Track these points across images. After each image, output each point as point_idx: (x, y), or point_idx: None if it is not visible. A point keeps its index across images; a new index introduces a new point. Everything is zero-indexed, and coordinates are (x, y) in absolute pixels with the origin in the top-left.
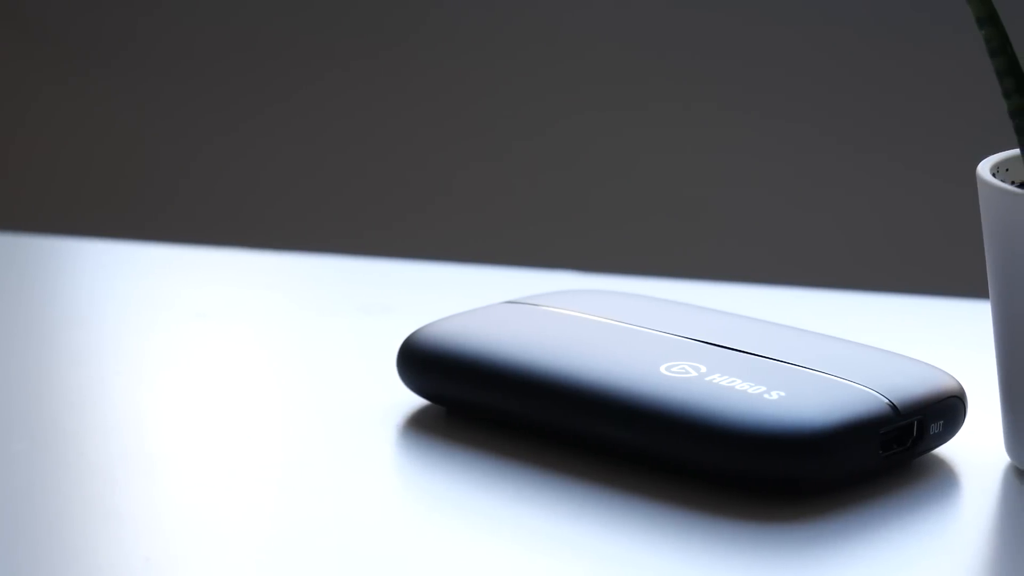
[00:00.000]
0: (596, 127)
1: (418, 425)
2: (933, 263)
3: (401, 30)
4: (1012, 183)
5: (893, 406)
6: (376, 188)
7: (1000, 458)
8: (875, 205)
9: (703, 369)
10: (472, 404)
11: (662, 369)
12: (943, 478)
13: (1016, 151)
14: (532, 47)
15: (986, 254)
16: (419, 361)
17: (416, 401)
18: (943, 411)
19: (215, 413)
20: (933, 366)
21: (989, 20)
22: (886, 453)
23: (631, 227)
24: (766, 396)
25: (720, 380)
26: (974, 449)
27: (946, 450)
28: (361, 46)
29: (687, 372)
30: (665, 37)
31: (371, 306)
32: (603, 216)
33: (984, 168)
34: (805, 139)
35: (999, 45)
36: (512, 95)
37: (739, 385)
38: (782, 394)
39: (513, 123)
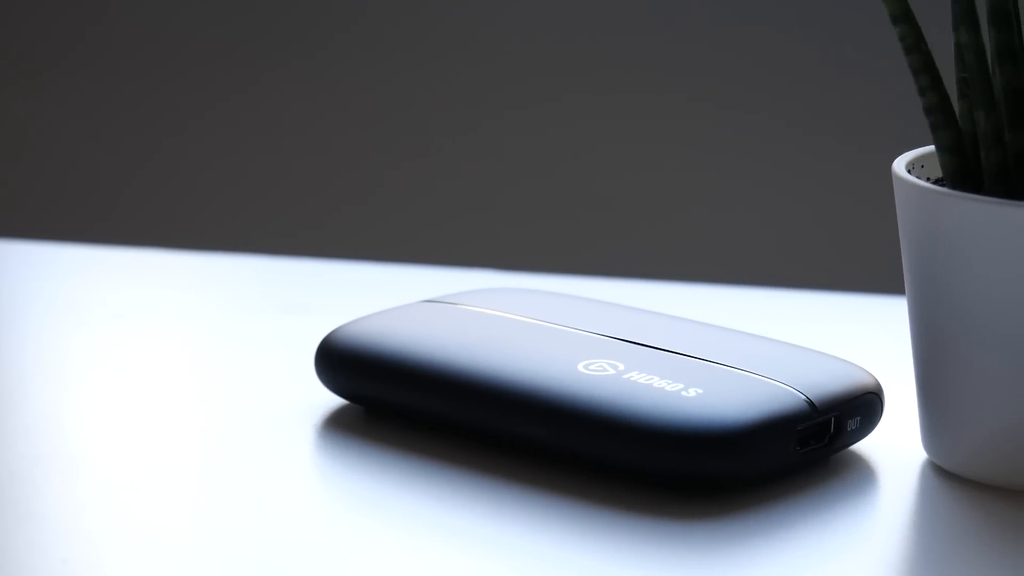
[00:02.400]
0: (513, 125)
1: (336, 424)
2: (849, 259)
3: (318, 32)
4: (928, 179)
5: (810, 403)
6: (295, 189)
7: (917, 454)
8: (791, 201)
9: (621, 367)
10: (390, 403)
11: (580, 367)
12: (860, 474)
13: (931, 148)
14: (449, 47)
15: (902, 251)
16: (337, 360)
17: (334, 400)
18: (860, 407)
19: (134, 414)
20: (850, 363)
21: (903, 18)
22: (803, 449)
23: (550, 225)
24: (684, 394)
25: (638, 378)
26: (891, 445)
27: (863, 446)
28: (281, 47)
29: (605, 370)
30: (580, 33)
31: (290, 306)
32: (522, 214)
33: (900, 165)
34: (723, 135)
35: (914, 43)
36: (429, 95)
37: (657, 383)
38: (700, 391)
39: (430, 123)
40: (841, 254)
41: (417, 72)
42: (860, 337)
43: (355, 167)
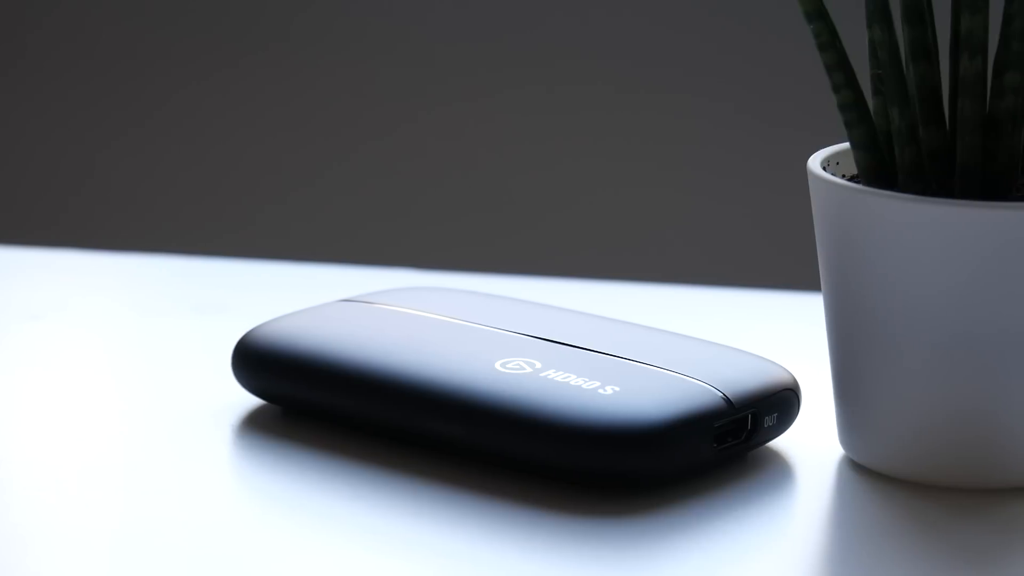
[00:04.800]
0: (429, 125)
1: (254, 425)
2: (765, 256)
3: (235, 30)
4: (843, 176)
5: (727, 399)
6: (211, 189)
7: (834, 450)
8: (707, 199)
9: (538, 365)
10: (308, 403)
11: (497, 365)
12: (778, 470)
13: (846, 145)
14: (370, 49)
15: (818, 248)
16: (253, 360)
17: (252, 401)
18: (777, 404)
19: (50, 415)
20: (766, 359)
21: (817, 15)
22: (721, 446)
23: (466, 224)
24: (600, 391)
25: (555, 376)
26: (808, 441)
27: (780, 443)
28: (198, 50)
29: (522, 368)
30: (490, 34)
31: (207, 306)
32: (438, 213)
33: (815, 162)
34: (639, 133)
35: (828, 40)
36: (348, 97)
37: (574, 381)
38: (616, 389)
39: (346, 123)
40: (757, 251)
41: (335, 73)
42: (777, 334)
43: (272, 167)
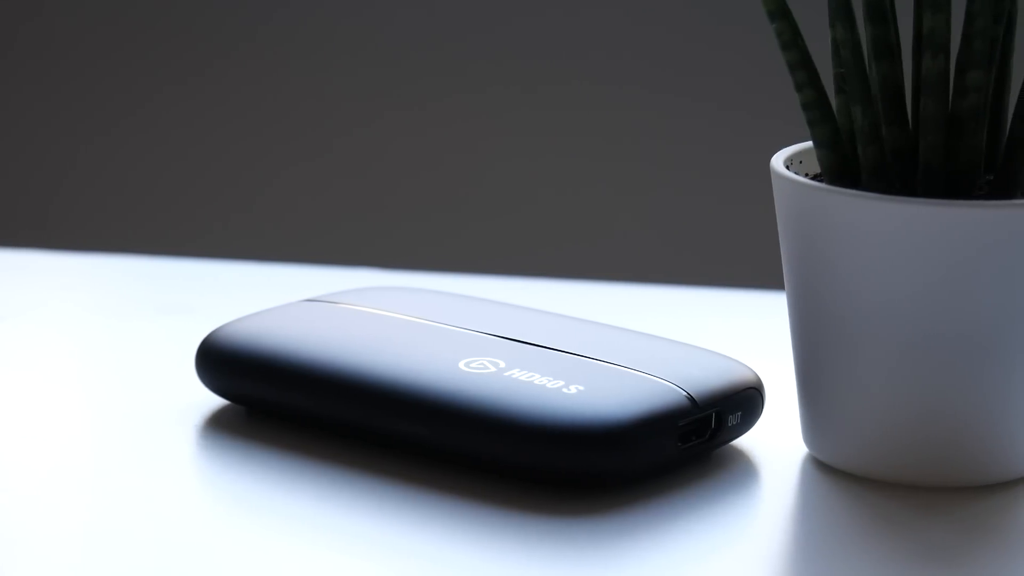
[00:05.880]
0: (393, 125)
1: (217, 425)
2: (729, 255)
3: (199, 32)
4: (806, 175)
5: (691, 398)
6: (175, 189)
7: (798, 448)
8: (670, 197)
9: (502, 364)
10: (272, 403)
11: (461, 365)
12: (742, 469)
13: (809, 143)
14: (324, 51)
15: (781, 246)
16: (217, 361)
17: (216, 401)
18: (741, 403)
19: (12, 416)
20: (730, 358)
21: (780, 14)
22: (685, 445)
23: (430, 223)
24: (565, 390)
25: (519, 375)
26: (772, 440)
27: (744, 441)
28: (157, 50)
29: (486, 368)
30: (454, 34)
31: (171, 306)
32: (403, 213)
33: (778, 161)
34: (602, 132)
35: (791, 39)
36: (307, 98)
37: (538, 380)
38: (581, 388)
39: (309, 124)
40: (721, 250)
41: (298, 74)
42: (741, 333)
43: (236, 168)
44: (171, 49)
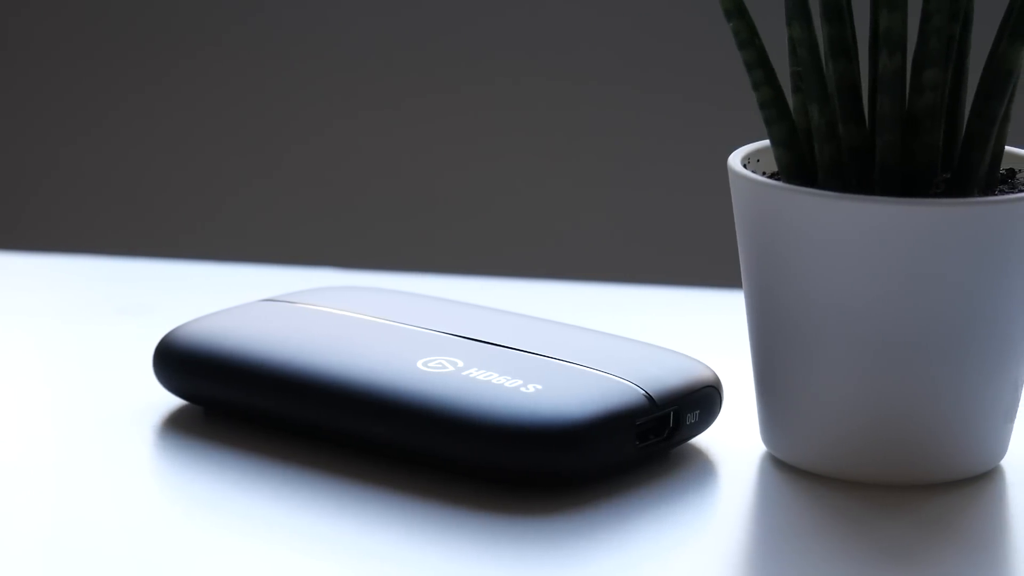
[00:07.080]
0: (351, 126)
1: (175, 425)
2: (686, 253)
3: (150, 29)
4: (763, 174)
5: (649, 397)
6: (133, 188)
7: (756, 447)
8: (627, 196)
9: (460, 364)
10: (229, 403)
11: (419, 364)
12: (700, 468)
13: (766, 142)
14: (291, 50)
15: (739, 245)
16: (175, 361)
17: (174, 401)
18: (699, 401)
19: None
20: (688, 356)
21: (737, 13)
22: (643, 444)
23: (388, 224)
24: (523, 389)
25: (477, 374)
26: (730, 438)
27: (703, 440)
28: (119, 48)
29: (444, 367)
30: (415, 37)
31: (128, 306)
32: (361, 213)
33: (735, 159)
34: (560, 131)
35: (748, 37)
36: (270, 96)
37: (496, 379)
38: (539, 387)
39: (270, 124)
40: (678, 248)
41: (257, 73)
42: (698, 331)
43: (194, 169)
44: (132, 53)
